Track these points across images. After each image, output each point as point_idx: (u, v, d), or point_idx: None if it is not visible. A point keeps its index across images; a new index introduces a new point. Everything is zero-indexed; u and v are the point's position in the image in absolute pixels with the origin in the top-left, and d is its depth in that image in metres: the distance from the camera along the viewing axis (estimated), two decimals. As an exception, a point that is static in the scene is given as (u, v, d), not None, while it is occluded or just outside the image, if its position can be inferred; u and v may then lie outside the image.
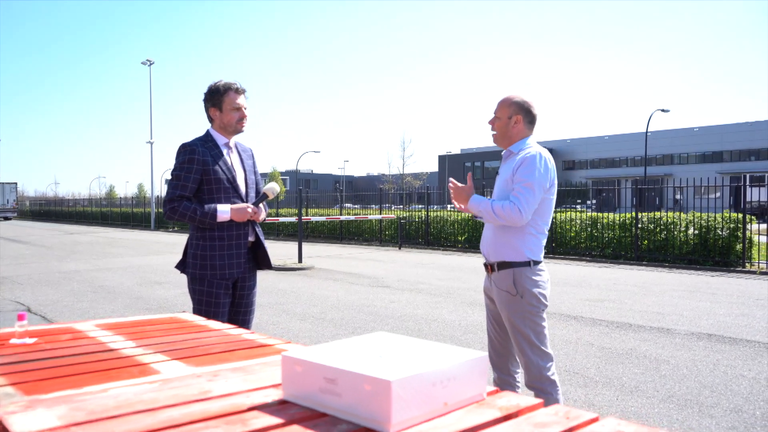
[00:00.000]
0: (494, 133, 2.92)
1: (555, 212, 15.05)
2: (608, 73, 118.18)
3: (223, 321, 2.95)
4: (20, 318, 1.92)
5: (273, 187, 3.12)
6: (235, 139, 3.16)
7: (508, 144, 2.87)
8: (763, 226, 18.59)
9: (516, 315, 2.73)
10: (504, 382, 2.90)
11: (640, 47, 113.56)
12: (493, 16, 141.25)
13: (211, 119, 3.08)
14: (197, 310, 2.95)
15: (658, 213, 13.59)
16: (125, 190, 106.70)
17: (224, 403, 1.28)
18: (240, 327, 2.98)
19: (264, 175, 70.05)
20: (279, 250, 15.97)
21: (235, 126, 3.05)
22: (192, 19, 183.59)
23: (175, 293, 8.65)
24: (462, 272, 11.28)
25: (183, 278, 10.20)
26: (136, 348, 1.84)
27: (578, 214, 15.25)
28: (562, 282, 9.71)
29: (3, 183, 48.80)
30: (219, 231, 2.97)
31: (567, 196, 21.76)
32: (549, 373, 2.75)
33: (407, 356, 1.28)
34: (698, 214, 12.74)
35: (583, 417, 1.19)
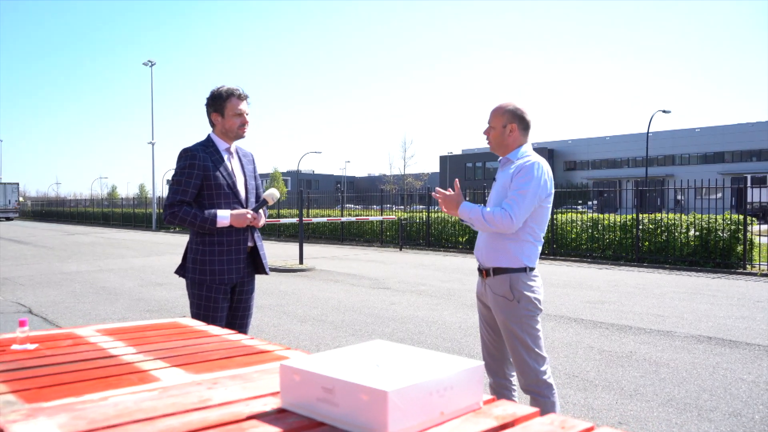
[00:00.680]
0: (489, 142, 2.93)
1: (556, 213, 15.05)
2: (609, 74, 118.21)
3: (221, 325, 2.98)
4: (21, 324, 1.93)
5: (273, 193, 3.13)
6: (235, 144, 3.18)
7: (505, 152, 2.88)
8: (765, 227, 18.59)
9: (513, 320, 2.75)
10: (500, 386, 2.91)
11: (641, 48, 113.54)
12: (494, 16, 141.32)
13: (212, 124, 3.10)
14: (196, 314, 2.97)
15: (659, 214, 13.58)
16: (127, 190, 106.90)
17: (223, 411, 1.29)
18: (238, 331, 3.00)
19: (266, 175, 70.08)
20: (280, 251, 15.99)
21: (237, 132, 3.07)
22: (194, 20, 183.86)
23: (176, 295, 8.67)
24: (463, 274, 11.29)
25: (184, 280, 10.19)
26: (136, 354, 1.85)
27: (579, 215, 15.25)
28: (562, 284, 9.72)
29: (5, 183, 48.88)
30: (219, 236, 2.98)
31: (568, 197, 21.77)
32: (545, 377, 2.76)
33: (404, 365, 1.29)
34: (699, 215, 12.74)
35: (579, 426, 1.20)
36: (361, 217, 18.72)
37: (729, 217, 12.38)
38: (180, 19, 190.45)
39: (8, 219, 47.48)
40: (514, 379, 2.92)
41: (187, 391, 1.44)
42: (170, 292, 8.90)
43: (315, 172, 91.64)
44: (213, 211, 2.96)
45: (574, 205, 24.94)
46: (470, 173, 68.25)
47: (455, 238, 17.26)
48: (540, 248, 2.85)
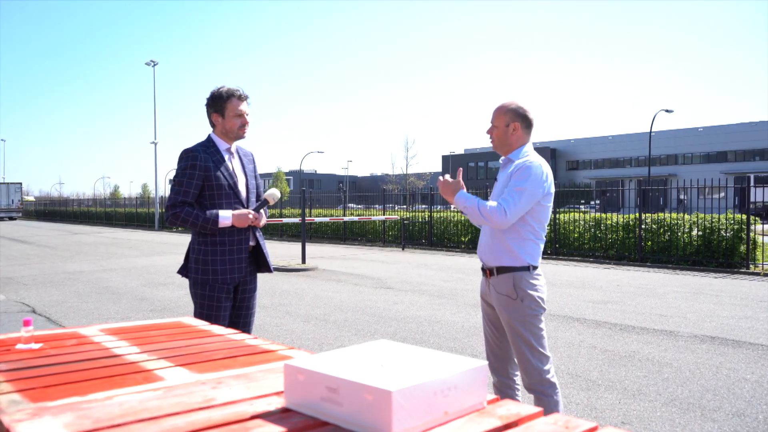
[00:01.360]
0: (492, 141, 2.94)
1: (558, 213, 15.04)
2: (612, 74, 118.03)
3: (224, 325, 2.98)
4: (26, 324, 1.94)
5: (273, 193, 3.14)
6: (236, 144, 3.18)
7: (507, 151, 2.89)
8: (768, 227, 18.52)
9: (516, 319, 2.75)
10: (504, 385, 2.92)
11: (643, 47, 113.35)
12: (497, 16, 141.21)
13: (213, 124, 3.11)
14: (199, 314, 2.97)
15: (662, 214, 13.56)
16: (129, 190, 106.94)
17: (227, 411, 1.29)
18: (241, 330, 3.01)
19: (268, 175, 70.14)
20: (282, 251, 16.01)
21: (237, 132, 3.08)
22: (196, 20, 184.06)
23: (179, 294, 8.68)
24: (465, 273, 11.28)
25: (186, 279, 10.21)
26: (140, 354, 1.86)
27: (582, 215, 15.23)
28: (565, 283, 9.71)
29: (8, 183, 49.00)
30: (220, 236, 2.99)
31: (570, 197, 21.74)
32: (548, 376, 2.76)
33: (408, 365, 1.29)
34: (702, 215, 12.72)
35: (583, 426, 1.20)
36: (364, 217, 18.72)
37: (732, 216, 12.36)
38: (183, 20, 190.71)
39: (11, 218, 47.59)
40: (518, 379, 2.92)
41: (192, 390, 1.45)
42: (173, 292, 8.92)
43: (317, 172, 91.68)
44: (214, 211, 2.97)
45: (577, 204, 24.92)
46: (472, 173, 68.22)
47: (458, 238, 17.25)
48: (542, 246, 2.85)
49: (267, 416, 1.26)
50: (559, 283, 9.62)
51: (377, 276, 10.86)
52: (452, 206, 22.18)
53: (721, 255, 12.09)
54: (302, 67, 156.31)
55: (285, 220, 18.16)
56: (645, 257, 13.09)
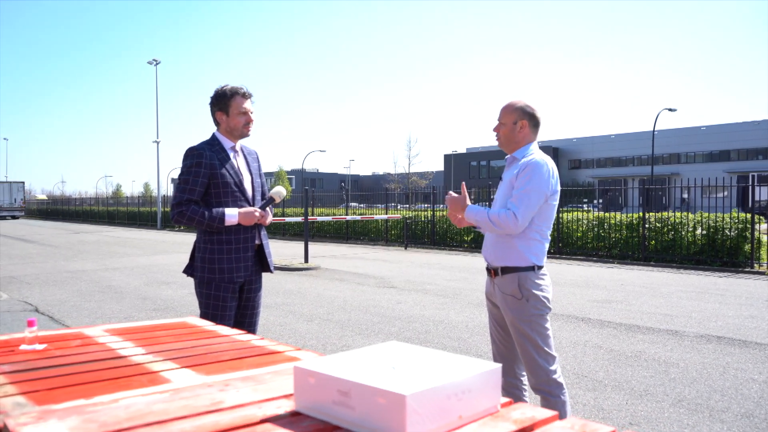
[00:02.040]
0: (499, 139, 2.91)
1: (561, 212, 15.00)
2: (614, 72, 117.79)
3: (229, 324, 2.96)
4: (30, 324, 1.92)
5: (279, 191, 3.12)
6: (240, 142, 3.16)
7: (514, 149, 2.87)
8: (772, 226, 18.45)
9: (522, 319, 2.72)
10: (511, 386, 2.89)
11: (645, 46, 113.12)
12: (499, 15, 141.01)
13: (217, 123, 3.09)
14: (204, 314, 2.95)
15: (666, 213, 13.52)
16: (131, 189, 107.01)
17: (236, 414, 1.27)
18: (246, 330, 2.99)
19: (270, 174, 70.14)
20: (285, 250, 15.99)
21: (242, 130, 3.05)
22: (198, 19, 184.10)
23: (182, 293, 8.66)
24: (468, 273, 11.25)
25: (190, 278, 10.20)
26: (145, 355, 1.83)
27: (585, 214, 15.20)
28: (569, 283, 9.68)
29: (10, 182, 49.04)
30: (226, 235, 2.97)
31: (573, 196, 21.70)
32: (555, 376, 2.74)
33: (421, 368, 1.27)
34: (706, 214, 12.67)
35: (600, 430, 1.18)
36: (367, 216, 18.69)
37: (736, 215, 12.31)
38: (185, 18, 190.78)
39: (14, 217, 47.64)
40: (525, 379, 2.90)
41: (199, 393, 1.42)
42: (176, 291, 8.90)
43: (319, 171, 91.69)
44: (221, 209, 2.95)
45: (579, 203, 24.87)
46: (474, 172, 68.15)
47: (460, 237, 17.22)
48: (547, 246, 2.83)
49: (276, 420, 1.24)
50: (562, 283, 9.58)
51: (380, 275, 10.83)
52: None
53: (725, 254, 12.04)
54: (304, 65, 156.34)
55: (287, 219, 18.14)
56: (648, 256, 13.05)
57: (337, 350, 5.30)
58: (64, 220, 46.54)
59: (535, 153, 2.79)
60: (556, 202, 2.80)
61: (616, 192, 29.45)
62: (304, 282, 10.02)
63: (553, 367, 2.72)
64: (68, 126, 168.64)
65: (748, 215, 12.07)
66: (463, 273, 11.21)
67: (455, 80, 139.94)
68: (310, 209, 15.63)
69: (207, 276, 2.96)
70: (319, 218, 17.68)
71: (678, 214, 13.20)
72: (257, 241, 3.10)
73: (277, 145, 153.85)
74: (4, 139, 76.41)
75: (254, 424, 1.21)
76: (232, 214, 2.95)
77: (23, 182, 49.76)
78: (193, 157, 2.97)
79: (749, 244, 11.82)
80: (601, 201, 26.11)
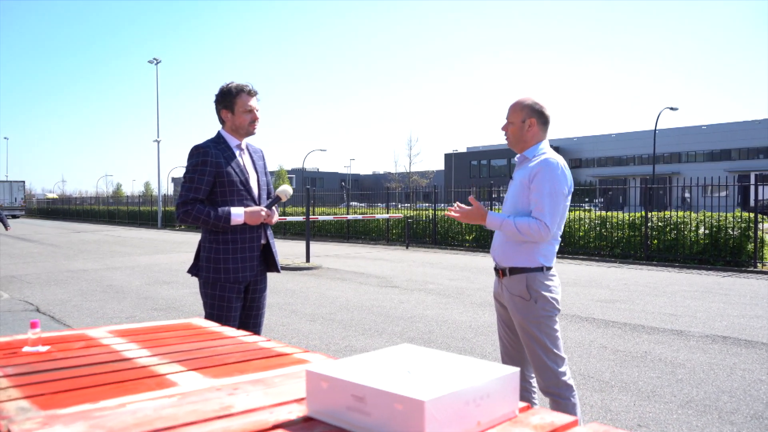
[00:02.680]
0: (508, 138, 2.87)
1: (563, 211, 14.94)
2: (614, 72, 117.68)
3: (234, 325, 2.92)
4: (33, 326, 1.88)
5: (286, 190, 3.08)
6: (245, 141, 3.12)
7: (523, 148, 2.82)
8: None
9: (530, 320, 2.68)
10: (519, 388, 2.85)
11: (645, 45, 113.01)
12: (500, 14, 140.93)
13: (222, 121, 3.04)
14: (209, 315, 2.91)
15: (668, 212, 13.48)
16: (132, 188, 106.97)
17: (246, 420, 1.23)
18: (251, 330, 2.95)
19: (271, 173, 70.07)
20: (286, 250, 15.96)
21: (247, 128, 3.01)
22: (199, 18, 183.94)
23: (183, 293, 8.63)
24: (470, 272, 11.22)
25: (191, 278, 10.22)
26: (151, 357, 1.79)
27: (587, 213, 15.16)
28: (572, 282, 9.64)
29: (11, 181, 49.00)
30: (232, 234, 2.93)
31: (574, 195, 21.66)
32: (565, 378, 2.70)
33: (437, 372, 1.23)
34: (709, 213, 12.63)
35: (624, 437, 1.14)
36: (368, 216, 18.66)
37: (739, 214, 12.27)
38: (186, 18, 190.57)
39: (14, 217, 47.60)
40: (534, 381, 2.86)
41: (207, 397, 1.39)
42: (177, 291, 8.87)
43: (319, 170, 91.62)
44: (227, 208, 2.90)
45: (581, 203, 24.81)
46: (475, 171, 68.13)
47: (462, 237, 17.19)
48: (557, 247, 2.78)
49: (289, 426, 1.20)
50: (565, 282, 9.54)
51: (382, 275, 10.80)
52: (448, 207, 22.06)
53: (728, 253, 12.00)
54: (304, 64, 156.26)
55: (288, 218, 18.10)
56: (651, 255, 13.01)
57: (341, 350, 5.27)
58: (64, 219, 46.51)
59: (546, 152, 2.75)
60: (568, 203, 2.76)
61: (617, 191, 29.42)
62: (306, 281, 9.99)
63: (562, 369, 2.68)
64: (68, 125, 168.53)
65: (751, 214, 12.03)
66: (465, 272, 11.18)
67: (456, 79, 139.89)
68: (311, 208, 15.60)
69: (212, 276, 2.92)
70: (321, 217, 17.64)
71: (680, 213, 13.16)
72: (263, 241, 3.06)
73: (277, 144, 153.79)
74: (5, 138, 76.19)
75: (266, 431, 1.17)
76: (238, 214, 2.90)
77: (23, 181, 49.71)
78: (199, 155, 2.92)
79: (752, 244, 11.78)
80: (601, 200, 26.07)
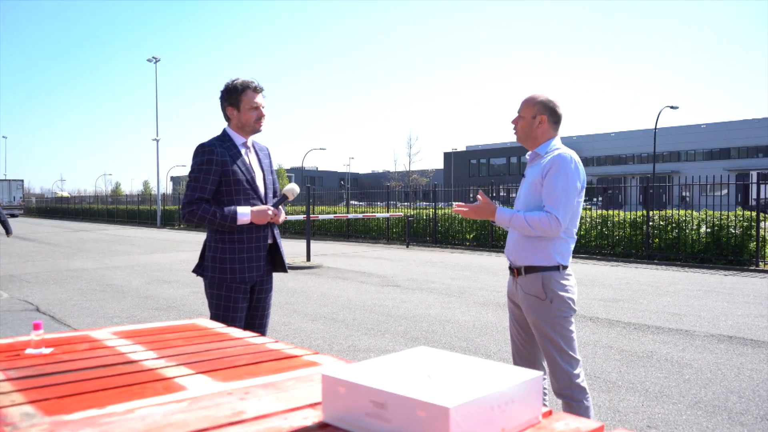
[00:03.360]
0: (516, 132, 2.82)
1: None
2: (614, 70, 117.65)
3: (240, 326, 2.87)
4: (36, 327, 1.83)
5: (293, 189, 3.03)
6: (251, 138, 3.07)
7: (533, 145, 2.77)
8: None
9: (545, 321, 2.63)
10: None
11: (644, 44, 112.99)
12: (499, 13, 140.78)
13: (228, 118, 2.99)
14: (215, 315, 2.86)
15: (670, 211, 13.45)
16: (131, 187, 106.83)
17: (260, 426, 1.19)
18: (256, 331, 2.90)
19: (270, 172, 69.87)
20: (286, 249, 15.88)
21: (253, 125, 2.96)
22: (198, 17, 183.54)
23: (183, 292, 8.58)
24: (472, 271, 11.18)
25: (191, 277, 10.17)
26: (157, 359, 1.75)
27: (587, 212, 15.12)
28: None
29: (9, 180, 48.87)
30: (238, 234, 2.87)
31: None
32: (578, 380, 2.65)
33: (458, 377, 1.18)
34: (710, 212, 12.60)
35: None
36: (368, 214, 18.61)
37: (741, 213, 12.23)
38: (185, 16, 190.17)
39: (13, 216, 47.47)
40: (547, 383, 2.81)
41: (218, 402, 1.34)
42: (177, 290, 8.82)
43: (318, 169, 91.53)
44: (233, 208, 2.85)
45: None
46: (474, 170, 68.11)
47: (462, 235, 17.14)
48: (573, 245, 2.73)
49: (305, 432, 1.15)
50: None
51: (383, 274, 10.75)
52: (454, 203, 22.04)
53: (730, 252, 11.96)
54: (303, 63, 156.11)
55: (289, 217, 18.03)
56: (652, 254, 12.98)
57: (345, 350, 5.22)
58: (62, 218, 46.40)
59: (560, 148, 2.70)
60: (582, 200, 2.71)
61: (616, 190, 29.39)
62: (307, 281, 9.94)
63: (576, 371, 2.64)
64: (67, 124, 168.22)
65: (753, 213, 11.99)
66: (467, 271, 11.13)
67: (455, 78, 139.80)
68: (310, 207, 15.53)
69: (218, 276, 2.86)
70: (321, 216, 17.59)
71: (682, 212, 13.13)
72: (269, 240, 3.01)
73: (276, 143, 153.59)
74: (3, 137, 75.95)
75: (281, 438, 1.13)
76: (244, 213, 2.85)
77: (22, 180, 49.58)
78: (204, 153, 2.87)
79: (754, 243, 11.74)
80: (601, 199, 26.02)
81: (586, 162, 63.55)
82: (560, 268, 2.65)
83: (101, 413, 1.26)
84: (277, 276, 10.17)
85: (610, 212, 14.44)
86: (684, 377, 4.37)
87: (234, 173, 2.88)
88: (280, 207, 3.01)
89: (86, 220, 41.45)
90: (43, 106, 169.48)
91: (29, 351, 1.81)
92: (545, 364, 2.74)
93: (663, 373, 4.49)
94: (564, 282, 2.65)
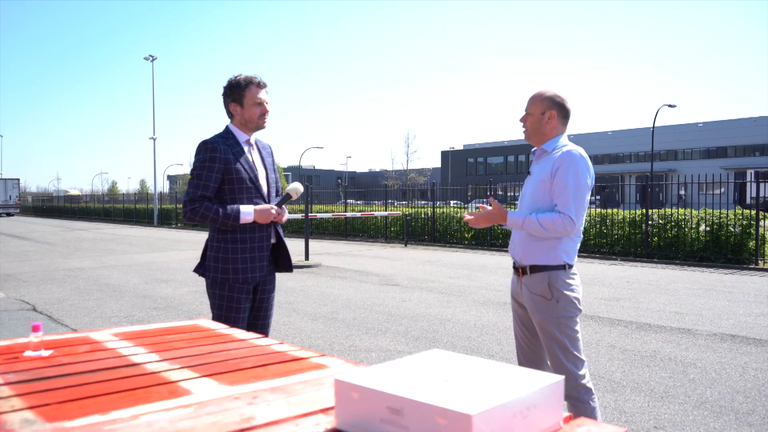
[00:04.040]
0: (526, 130, 2.77)
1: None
2: (610, 69, 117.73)
3: (243, 327, 2.82)
4: (35, 329, 1.78)
5: (297, 188, 2.97)
6: (254, 136, 3.01)
7: (541, 141, 2.73)
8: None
9: (550, 320, 2.59)
10: None
11: (642, 43, 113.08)
12: (497, 13, 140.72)
13: (230, 115, 2.93)
14: (217, 316, 2.81)
15: (669, 210, 13.43)
16: (127, 186, 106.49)
17: (271, 433, 1.14)
18: (259, 332, 2.84)
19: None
20: (284, 247, 15.83)
21: (257, 122, 2.90)
22: (195, 15, 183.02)
23: (181, 292, 8.52)
24: (471, 270, 11.14)
25: (189, 276, 10.10)
26: (161, 362, 1.70)
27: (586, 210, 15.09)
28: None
29: (5, 179, 48.66)
30: (241, 233, 2.82)
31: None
32: (584, 381, 2.61)
33: (476, 381, 1.14)
34: (710, 210, 12.58)
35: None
36: (367, 213, 18.56)
37: (741, 212, 12.22)
38: (182, 14, 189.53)
39: (9, 215, 47.29)
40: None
41: (226, 407, 1.29)
42: (175, 289, 8.76)
43: (316, 168, 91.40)
44: (236, 206, 2.79)
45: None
46: (471, 169, 68.10)
47: (460, 234, 17.10)
48: (579, 243, 2.69)
49: (318, 440, 1.11)
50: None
51: (382, 273, 10.71)
52: (452, 202, 22.07)
53: (729, 251, 11.95)
54: (301, 62, 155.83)
55: (287, 216, 17.99)
56: (651, 253, 12.96)
57: (346, 350, 5.17)
58: (59, 217, 46.22)
59: (568, 144, 2.66)
60: (588, 197, 2.67)
61: (613, 189, 29.38)
62: (305, 280, 9.89)
63: (582, 372, 2.60)
64: (63, 122, 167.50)
65: (753, 212, 11.98)
66: (466, 270, 11.10)
67: (453, 77, 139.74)
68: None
69: (220, 276, 2.81)
70: (320, 215, 17.53)
71: (681, 211, 13.11)
72: (272, 240, 2.95)
73: (274, 142, 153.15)
74: (-1, 135, 75.62)
75: (294, 445, 1.08)
76: (247, 212, 2.79)
77: (18, 179, 49.37)
78: (207, 151, 2.81)
79: (753, 241, 11.73)
80: (598, 197, 26.02)
81: (584, 161, 63.46)
82: (566, 267, 2.61)
83: (105, 419, 1.21)
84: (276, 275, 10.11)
85: (609, 211, 14.42)
86: (689, 377, 4.34)
87: (237, 171, 2.82)
88: (284, 206, 2.96)
89: (82, 219, 41.29)
90: (40, 104, 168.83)
91: (28, 353, 1.76)
92: (550, 364, 2.70)
93: (667, 372, 4.46)
94: (570, 281, 2.61)
